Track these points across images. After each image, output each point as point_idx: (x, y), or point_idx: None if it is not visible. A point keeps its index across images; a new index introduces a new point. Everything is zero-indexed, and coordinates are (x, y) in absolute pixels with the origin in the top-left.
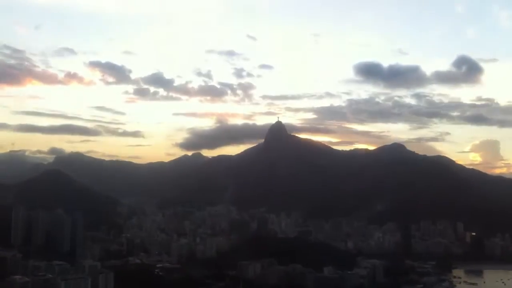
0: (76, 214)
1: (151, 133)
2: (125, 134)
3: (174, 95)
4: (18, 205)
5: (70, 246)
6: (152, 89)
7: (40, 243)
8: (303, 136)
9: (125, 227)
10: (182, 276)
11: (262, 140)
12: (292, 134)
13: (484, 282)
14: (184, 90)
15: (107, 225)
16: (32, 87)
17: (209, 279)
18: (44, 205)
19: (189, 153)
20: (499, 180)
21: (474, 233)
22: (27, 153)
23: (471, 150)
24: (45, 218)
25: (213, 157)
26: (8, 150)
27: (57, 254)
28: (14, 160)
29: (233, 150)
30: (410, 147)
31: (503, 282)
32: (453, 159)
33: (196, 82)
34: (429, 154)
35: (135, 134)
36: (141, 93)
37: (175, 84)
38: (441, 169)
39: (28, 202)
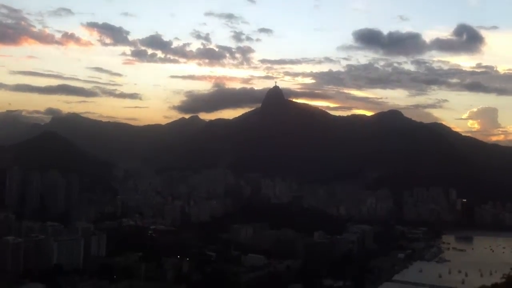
0: (71, 176)
1: (149, 95)
2: (122, 95)
3: (172, 57)
4: (13, 167)
5: (65, 207)
6: (149, 51)
7: (35, 204)
8: (301, 101)
9: (120, 190)
10: (175, 238)
11: (260, 105)
12: (289, 99)
13: (473, 249)
14: (182, 52)
15: (102, 187)
16: (29, 47)
17: (201, 242)
18: (40, 166)
19: (187, 116)
20: (495, 148)
21: (465, 200)
22: (23, 113)
23: (469, 118)
24: (40, 180)
25: (211, 121)
26: (4, 110)
27: (51, 216)
28: (11, 120)
29: (230, 114)
30: (407, 114)
31: (491, 249)
32: (450, 126)
33: (195, 45)
34: (426, 121)
35: (133, 96)
36: (138, 55)
37: (173, 46)
38: (436, 137)
39: (24, 163)
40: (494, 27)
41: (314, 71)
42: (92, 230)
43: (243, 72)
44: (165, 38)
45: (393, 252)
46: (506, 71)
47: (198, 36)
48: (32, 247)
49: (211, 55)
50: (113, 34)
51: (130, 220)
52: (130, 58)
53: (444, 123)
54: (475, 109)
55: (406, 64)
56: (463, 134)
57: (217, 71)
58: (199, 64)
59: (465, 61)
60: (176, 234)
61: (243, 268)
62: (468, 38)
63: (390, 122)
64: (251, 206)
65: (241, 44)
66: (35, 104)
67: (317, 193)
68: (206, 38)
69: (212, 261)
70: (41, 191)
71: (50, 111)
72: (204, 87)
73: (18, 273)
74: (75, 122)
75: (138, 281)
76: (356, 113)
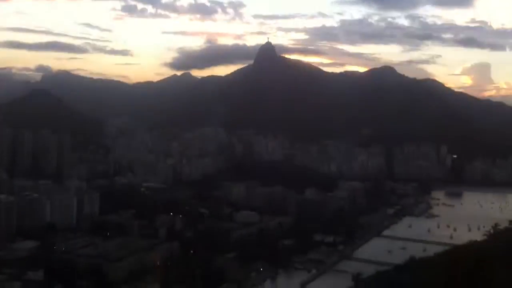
0: (62, 134)
1: (140, 52)
2: (113, 52)
3: (162, 12)
4: (3, 125)
5: (57, 166)
6: (140, 5)
7: (27, 164)
8: (294, 57)
9: (112, 148)
10: (167, 196)
11: (252, 61)
12: (282, 55)
13: (462, 204)
14: (173, 7)
15: (94, 146)
16: (16, 2)
17: (194, 200)
18: (31, 125)
19: (179, 73)
20: (487, 104)
21: (455, 157)
22: (13, 71)
23: (462, 73)
24: (32, 139)
25: (203, 78)
26: None
27: (44, 175)
28: (0, 78)
29: (222, 71)
30: (401, 70)
31: (480, 205)
32: (443, 82)
33: (186, 0)
34: (419, 77)
35: (123, 52)
36: (128, 10)
37: (164, 1)
38: (429, 93)
39: (14, 122)
40: None
41: (308, 26)
42: (84, 189)
43: (235, 28)
44: None
45: (383, 208)
46: (500, 27)
47: None
48: (24, 206)
49: (203, 10)
50: None
51: (123, 178)
52: (120, 13)
53: (437, 79)
54: (468, 65)
55: (400, 19)
56: (456, 90)
57: (209, 26)
58: (191, 20)
59: (459, 16)
60: (168, 192)
61: (235, 225)
62: None
63: (383, 78)
64: (243, 164)
65: None
66: (25, 62)
67: (309, 150)
68: None
69: (204, 219)
70: (33, 150)
71: (40, 68)
72: (196, 43)
73: (11, 232)
74: (65, 79)
75: (131, 238)
76: (349, 70)
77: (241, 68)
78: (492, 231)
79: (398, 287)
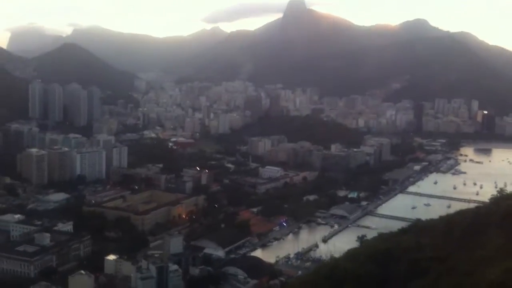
0: (92, 88)
1: (169, 6)
2: (142, 6)
3: None
4: (35, 79)
5: (87, 120)
6: None
7: (57, 117)
8: (323, 10)
9: (142, 102)
10: (194, 151)
11: (281, 15)
12: (311, 8)
13: (490, 161)
14: None
15: (124, 100)
16: None
17: (220, 154)
18: (62, 79)
19: (208, 27)
20: None
21: (486, 112)
22: (45, 26)
23: (497, 26)
24: (63, 92)
25: (231, 32)
26: (26, 23)
27: (74, 128)
28: (33, 33)
29: (251, 24)
30: (434, 23)
31: (509, 162)
32: (477, 36)
33: None
34: (453, 30)
35: (153, 7)
36: None
37: None
38: (463, 46)
39: (46, 76)
40: None
41: None
42: (113, 143)
43: None
44: None
45: (409, 164)
46: None
47: None
48: (55, 159)
49: None
50: None
51: (151, 132)
52: None
53: (471, 32)
54: (503, 18)
55: None
56: (490, 44)
57: None
58: None
59: None
60: (196, 146)
61: (260, 180)
62: None
63: (416, 31)
64: (270, 118)
65: None
66: (56, 16)
67: (337, 105)
68: None
69: (230, 173)
70: (64, 103)
71: (71, 23)
72: None
73: (43, 184)
74: (96, 34)
75: (158, 192)
76: (381, 23)
77: (270, 22)
78: (498, 195)
79: (396, 251)
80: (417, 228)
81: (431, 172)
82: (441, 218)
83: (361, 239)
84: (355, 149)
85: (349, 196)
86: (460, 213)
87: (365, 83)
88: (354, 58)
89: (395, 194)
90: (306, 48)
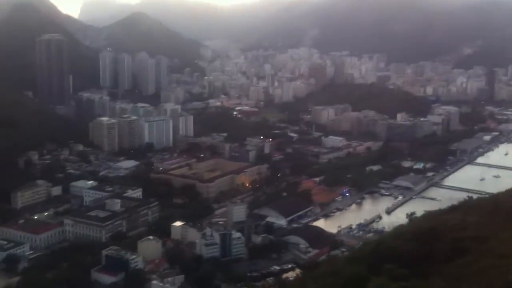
0: (160, 57)
1: None
2: None
3: None
4: (105, 48)
5: (154, 89)
6: None
7: (126, 86)
8: None
9: (207, 70)
10: (258, 119)
11: None
12: None
13: None
14: None
15: (190, 68)
16: None
17: (284, 123)
18: (130, 48)
19: None
20: None
21: None
22: None
23: None
24: (131, 62)
25: None
26: None
27: (142, 97)
28: (103, 1)
29: None
30: None
31: None
32: None
33: None
34: None
35: None
36: None
37: None
38: None
39: (115, 45)
40: None
41: None
42: (180, 111)
43: None
44: None
45: (479, 134)
46: None
47: None
48: (125, 127)
49: None
50: None
51: (216, 101)
52: None
53: None
54: None
55: None
56: None
57: None
58: None
59: None
60: (259, 114)
61: (323, 149)
62: None
63: None
64: (334, 86)
65: None
66: None
67: (404, 72)
68: None
69: (293, 142)
70: (132, 72)
71: None
72: None
73: (114, 151)
74: (163, 2)
75: (223, 160)
76: None
77: None
78: None
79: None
80: (466, 206)
81: (501, 143)
82: (491, 196)
83: (410, 216)
84: (422, 118)
85: (415, 167)
86: (510, 192)
87: (435, 48)
88: (424, 22)
89: (463, 165)
90: (373, 13)
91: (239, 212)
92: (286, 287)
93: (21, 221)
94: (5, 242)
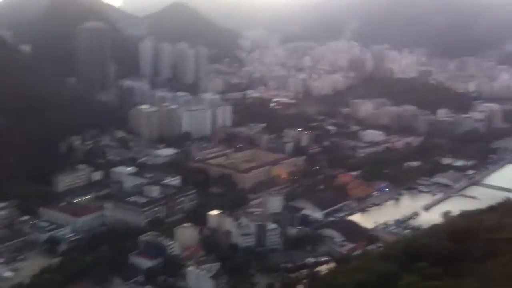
0: (200, 47)
1: None
2: None
3: None
4: (146, 37)
5: (193, 78)
6: None
7: (166, 75)
8: None
9: (246, 61)
10: (296, 111)
11: None
12: None
13: None
14: None
15: (229, 58)
16: None
17: (322, 115)
18: (170, 37)
19: None
20: None
21: None
22: None
23: None
24: (171, 51)
25: None
26: None
27: (181, 86)
28: None
29: None
30: None
31: None
32: None
33: None
34: None
35: None
36: None
37: None
38: None
39: (155, 34)
40: None
41: None
42: (218, 101)
43: None
44: None
45: None
46: None
47: None
48: (164, 116)
49: None
50: None
51: (255, 91)
52: None
53: None
54: None
55: None
56: None
57: None
58: None
59: None
60: (297, 107)
61: (361, 143)
62: None
63: None
64: (373, 80)
65: None
66: None
67: (446, 67)
68: None
69: (330, 135)
70: (172, 62)
71: None
72: None
73: (153, 139)
74: None
75: (260, 151)
76: None
77: None
78: None
79: (476, 230)
80: (504, 207)
81: None
82: None
83: (445, 214)
84: (463, 115)
85: (455, 164)
86: None
87: (479, 43)
88: (468, 16)
89: (505, 164)
90: (416, 5)
91: (275, 203)
92: (318, 280)
93: (63, 204)
94: (47, 224)
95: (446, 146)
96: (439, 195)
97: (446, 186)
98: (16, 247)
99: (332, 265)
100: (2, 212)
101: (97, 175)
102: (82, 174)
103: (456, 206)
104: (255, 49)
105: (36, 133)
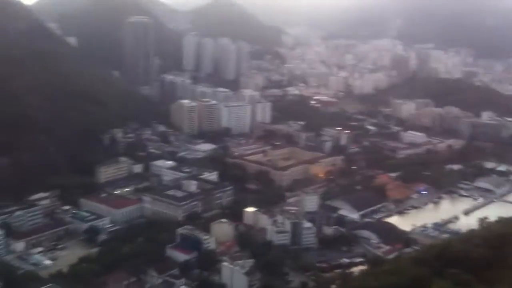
0: (242, 43)
1: None
2: None
3: None
4: (189, 32)
5: (235, 74)
6: None
7: (208, 70)
8: None
9: (288, 58)
10: (336, 110)
11: None
12: None
13: None
14: None
15: (271, 55)
16: None
17: (362, 115)
18: (213, 32)
19: None
20: None
21: None
22: None
23: None
24: (213, 47)
25: None
26: None
27: (222, 81)
28: None
29: None
30: None
31: None
32: None
33: None
34: None
35: None
36: None
37: None
38: None
39: (198, 29)
40: None
41: None
42: (258, 98)
43: None
44: None
45: None
46: None
47: None
48: (205, 111)
49: None
50: None
51: (295, 89)
52: None
53: None
54: None
55: None
56: None
57: None
58: None
59: None
60: (338, 105)
61: (401, 144)
62: None
63: None
64: (416, 80)
65: None
66: None
67: (493, 68)
68: None
69: (370, 135)
70: (214, 57)
71: None
72: None
73: (193, 134)
74: None
75: (298, 149)
76: None
77: None
78: None
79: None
80: None
81: None
82: None
83: (482, 221)
84: (509, 118)
85: (498, 168)
86: None
87: None
88: None
89: None
90: (462, 4)
91: (311, 202)
92: (350, 282)
93: (103, 195)
94: (88, 214)
95: (490, 149)
96: (480, 200)
97: (488, 190)
98: (57, 236)
99: (366, 266)
100: (44, 202)
101: (137, 168)
102: (123, 166)
103: (497, 211)
104: (296, 46)
105: (79, 125)
